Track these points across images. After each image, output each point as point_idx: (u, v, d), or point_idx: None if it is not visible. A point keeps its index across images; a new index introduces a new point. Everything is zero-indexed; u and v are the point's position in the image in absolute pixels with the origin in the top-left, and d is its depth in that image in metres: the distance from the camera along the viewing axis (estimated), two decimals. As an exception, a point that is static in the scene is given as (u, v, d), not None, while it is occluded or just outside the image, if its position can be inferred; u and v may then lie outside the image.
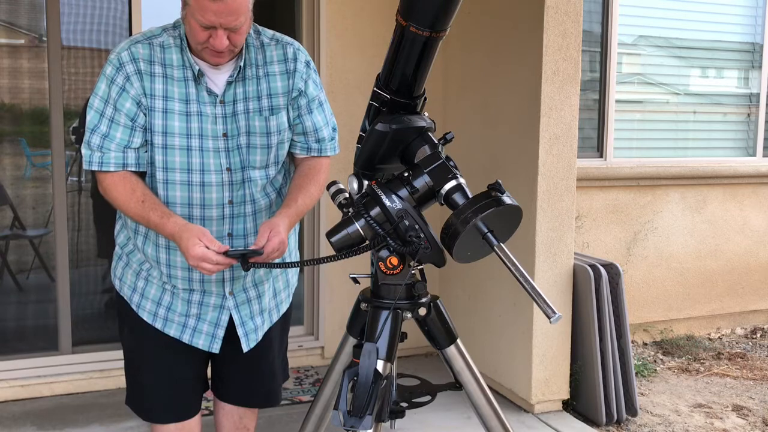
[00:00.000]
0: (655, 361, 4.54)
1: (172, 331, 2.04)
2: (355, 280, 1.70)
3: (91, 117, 1.90)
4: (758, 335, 5.15)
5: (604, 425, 3.48)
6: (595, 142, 4.79)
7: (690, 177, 4.92)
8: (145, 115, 1.89)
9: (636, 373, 3.90)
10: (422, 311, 1.67)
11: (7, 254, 4.12)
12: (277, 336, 2.22)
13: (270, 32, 2.03)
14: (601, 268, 3.51)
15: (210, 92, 1.91)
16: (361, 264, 1.81)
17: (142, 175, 1.95)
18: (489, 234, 1.45)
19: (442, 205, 1.56)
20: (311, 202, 2.06)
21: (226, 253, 1.80)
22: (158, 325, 2.04)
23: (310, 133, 2.06)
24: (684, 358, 4.58)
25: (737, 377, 4.28)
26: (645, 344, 4.84)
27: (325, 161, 2.12)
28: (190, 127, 1.90)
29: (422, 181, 1.56)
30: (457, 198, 1.51)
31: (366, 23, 3.96)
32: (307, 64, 2.04)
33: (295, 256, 2.23)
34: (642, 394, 3.93)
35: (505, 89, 3.64)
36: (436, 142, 1.62)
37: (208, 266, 1.79)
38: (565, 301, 3.50)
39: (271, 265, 1.87)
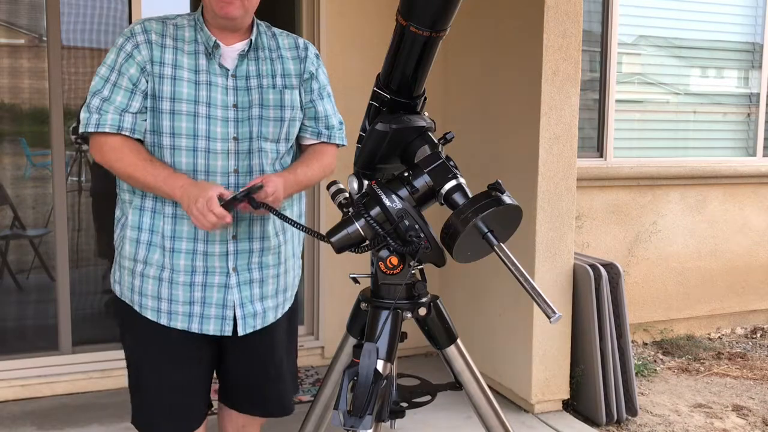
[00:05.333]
0: (655, 361, 4.54)
1: (179, 324, 2.00)
2: (355, 280, 1.70)
3: (95, 82, 1.94)
4: (758, 335, 5.15)
5: (604, 425, 3.48)
6: (595, 142, 4.79)
7: (690, 177, 4.92)
8: (147, 82, 1.92)
9: (636, 373, 3.90)
10: (422, 311, 1.67)
11: (7, 254, 4.12)
12: (283, 340, 2.18)
13: (279, 29, 2.14)
14: (601, 268, 3.51)
15: (222, 66, 1.96)
16: (361, 264, 1.81)
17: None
18: (489, 234, 1.45)
19: (442, 205, 1.56)
20: (312, 176, 2.09)
21: (229, 202, 1.81)
22: (163, 321, 2.00)
23: (321, 118, 2.12)
24: (684, 358, 4.58)
25: (737, 377, 4.28)
26: (645, 344, 4.84)
27: (332, 148, 2.17)
28: (198, 94, 1.93)
29: (422, 181, 1.56)
30: (457, 198, 1.51)
31: (366, 23, 3.96)
32: (317, 55, 2.14)
33: (298, 242, 2.21)
34: (642, 394, 3.93)
35: (505, 89, 3.64)
36: (436, 142, 1.62)
37: (213, 215, 1.78)
38: (565, 301, 3.50)
39: (280, 215, 1.85)
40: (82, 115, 1.93)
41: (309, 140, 2.14)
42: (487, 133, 3.76)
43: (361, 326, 1.68)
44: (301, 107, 2.08)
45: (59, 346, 3.68)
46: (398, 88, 1.61)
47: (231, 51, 1.98)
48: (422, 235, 1.55)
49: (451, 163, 1.56)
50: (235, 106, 1.96)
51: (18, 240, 4.16)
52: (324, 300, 4.08)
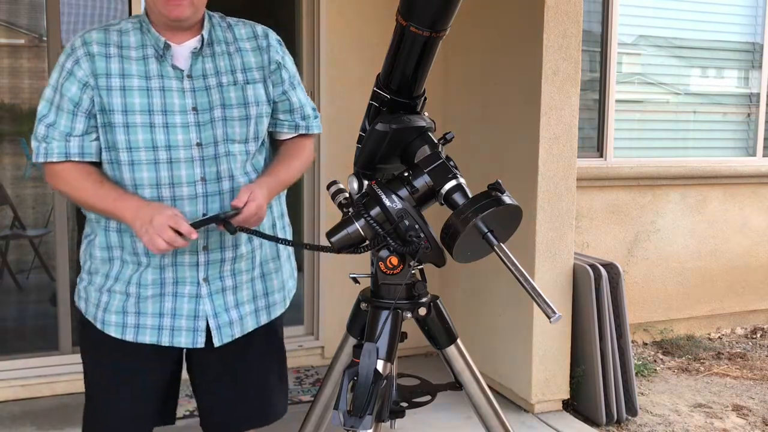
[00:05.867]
0: (655, 360, 4.54)
1: (147, 338, 1.89)
2: (355, 280, 1.70)
3: (41, 107, 1.85)
4: (758, 335, 5.15)
5: (604, 425, 3.48)
6: (595, 142, 4.79)
7: (690, 177, 4.92)
8: (93, 98, 1.81)
9: (636, 373, 3.90)
10: (422, 311, 1.66)
11: (7, 254, 4.12)
12: (268, 347, 2.07)
13: (235, 18, 2.00)
14: (601, 268, 3.51)
15: (175, 68, 1.83)
16: (361, 264, 1.81)
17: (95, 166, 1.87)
18: (489, 234, 1.45)
19: (442, 205, 1.56)
20: (293, 175, 2.00)
21: (200, 222, 1.74)
22: (129, 336, 1.88)
23: (296, 109, 2.00)
24: (684, 358, 4.58)
25: (737, 377, 4.28)
26: (645, 344, 4.84)
27: (310, 141, 2.06)
28: (151, 102, 1.81)
29: (422, 181, 1.56)
30: (457, 198, 1.51)
31: (366, 23, 3.96)
32: (279, 42, 1.99)
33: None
34: (642, 393, 3.93)
35: (505, 89, 3.64)
36: (436, 142, 1.62)
37: (168, 236, 1.68)
38: (565, 301, 3.50)
39: (260, 234, 1.80)
40: (33, 144, 1.85)
41: (286, 134, 2.02)
42: (487, 133, 3.76)
43: (361, 326, 1.68)
44: (268, 101, 1.94)
45: (59, 346, 3.68)
46: (398, 88, 1.61)
47: (183, 50, 1.85)
48: (422, 235, 1.55)
49: (451, 163, 1.56)
50: (195, 109, 1.83)
51: (18, 240, 4.17)
52: (324, 300, 4.08)
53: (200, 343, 1.91)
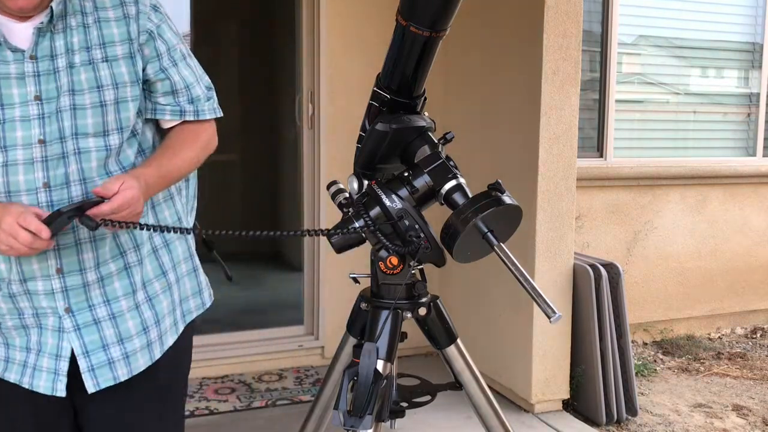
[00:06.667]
0: (655, 360, 4.54)
1: (13, 375, 1.58)
2: (355, 280, 1.70)
3: None
4: (758, 335, 5.15)
5: (604, 425, 3.48)
6: (595, 142, 4.79)
7: (690, 177, 4.93)
8: None
9: (636, 373, 3.90)
10: (422, 311, 1.66)
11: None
12: (167, 387, 1.72)
13: None
14: (601, 268, 3.51)
15: (14, 49, 1.48)
16: (361, 264, 1.81)
17: None
18: (489, 234, 1.45)
19: (442, 204, 1.56)
20: (181, 167, 1.64)
21: (53, 215, 1.41)
22: None
23: (180, 90, 1.64)
24: (684, 358, 4.58)
25: (737, 377, 4.28)
26: (645, 344, 4.84)
27: (206, 127, 1.70)
28: None
29: (422, 181, 1.56)
30: (457, 198, 1.51)
31: (366, 23, 3.96)
32: (155, 8, 1.63)
33: (183, 246, 1.74)
34: (642, 393, 3.93)
35: (505, 89, 3.64)
36: (436, 142, 1.62)
37: (26, 232, 1.38)
38: (565, 301, 3.50)
39: (139, 225, 1.46)
40: None
41: (170, 122, 1.66)
42: (487, 132, 3.76)
43: (361, 326, 1.68)
44: (135, 81, 1.57)
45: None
46: (398, 88, 1.61)
47: (25, 27, 1.50)
48: (422, 235, 1.55)
49: (451, 163, 1.56)
50: (39, 97, 1.48)
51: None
52: (324, 300, 4.08)
53: (59, 390, 1.56)
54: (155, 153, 1.64)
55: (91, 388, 1.57)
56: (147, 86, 1.63)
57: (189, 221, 1.80)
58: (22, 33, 1.50)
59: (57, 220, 1.41)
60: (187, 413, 3.26)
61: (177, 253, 1.72)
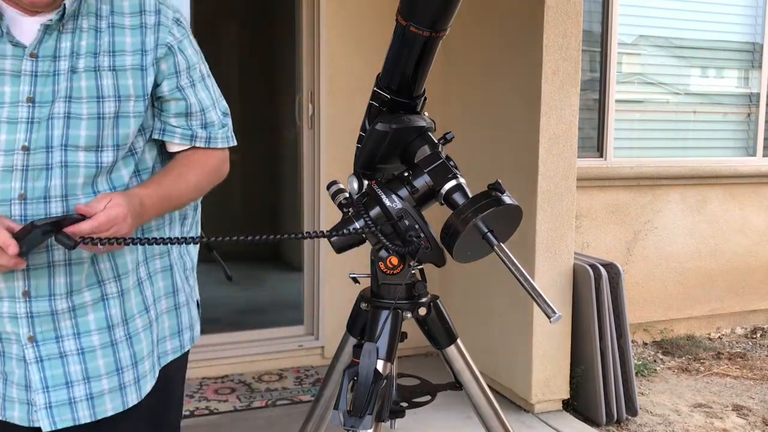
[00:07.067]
0: (655, 360, 4.54)
1: None
2: (355, 280, 1.70)
3: None
4: (758, 335, 5.15)
5: (604, 425, 3.48)
6: (595, 142, 4.79)
7: (690, 177, 4.93)
8: None
9: (636, 373, 3.90)
10: (422, 311, 1.66)
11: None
12: None
13: None
14: (601, 268, 3.51)
15: (16, 43, 1.38)
16: (361, 264, 1.81)
17: None
18: (489, 234, 1.45)
19: (442, 204, 1.56)
20: (186, 191, 1.52)
21: (25, 229, 1.27)
22: None
23: (195, 113, 1.52)
24: (684, 357, 4.59)
25: (737, 377, 4.28)
26: (645, 344, 4.84)
27: (218, 153, 1.58)
28: None
29: (422, 181, 1.56)
30: (457, 198, 1.51)
31: (366, 23, 3.96)
32: (177, 21, 1.52)
33: (181, 271, 1.62)
34: (642, 393, 3.93)
35: (505, 89, 3.64)
36: (436, 142, 1.62)
37: None
38: (565, 301, 3.50)
39: (124, 240, 1.30)
40: None
41: (178, 146, 1.54)
42: (487, 133, 3.76)
43: (361, 326, 1.68)
44: (142, 96, 1.45)
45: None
46: (398, 88, 1.61)
47: (33, 22, 1.40)
48: (422, 235, 1.55)
49: (451, 163, 1.56)
50: (31, 100, 1.37)
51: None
52: (324, 300, 4.08)
53: (38, 422, 1.43)
54: (156, 174, 1.51)
55: (46, 426, 1.43)
56: (159, 104, 1.51)
57: (188, 250, 1.67)
58: (28, 28, 1.39)
59: (29, 236, 1.26)
60: (187, 413, 3.27)
61: (158, 286, 1.57)
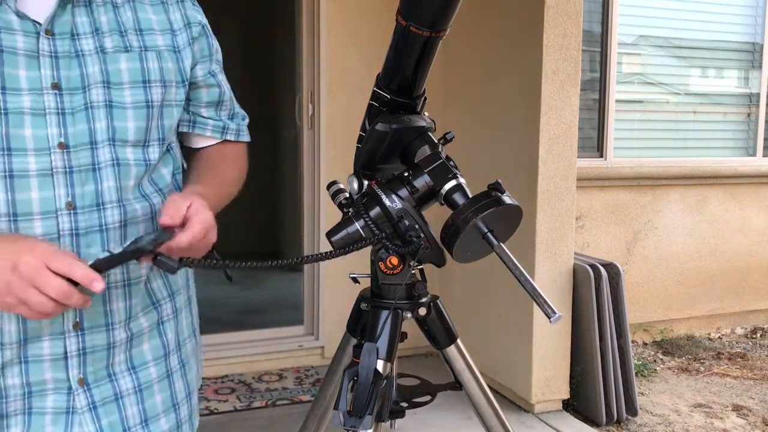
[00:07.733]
0: (655, 360, 4.54)
1: None
2: (355, 280, 1.70)
3: None
4: (758, 335, 5.15)
5: (604, 425, 3.49)
6: (595, 142, 4.79)
7: (690, 177, 4.93)
8: None
9: (636, 373, 3.90)
10: (422, 311, 1.67)
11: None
12: None
13: None
14: (601, 268, 3.51)
15: (24, 17, 1.10)
16: (361, 264, 1.81)
17: None
18: (489, 234, 1.45)
19: (442, 205, 1.56)
20: (227, 190, 1.35)
21: (109, 260, 1.02)
22: None
23: (225, 102, 1.35)
24: (684, 358, 4.59)
25: (737, 377, 4.28)
26: (645, 344, 4.84)
27: (245, 149, 1.43)
28: None
29: (422, 181, 1.56)
30: (457, 198, 1.51)
31: (366, 23, 3.96)
32: (194, 2, 1.34)
33: (188, 288, 1.37)
34: (642, 393, 3.93)
35: (505, 89, 3.64)
36: (436, 142, 1.62)
37: (55, 289, 0.95)
38: (565, 301, 3.50)
39: (225, 264, 1.08)
40: None
41: (209, 140, 1.34)
42: (487, 133, 3.76)
43: (361, 326, 1.68)
44: (182, 81, 1.24)
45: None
46: (398, 88, 1.61)
47: None
48: (422, 235, 1.55)
49: (451, 163, 1.56)
50: (57, 86, 1.10)
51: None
52: (324, 300, 4.08)
53: None
54: (197, 171, 1.29)
55: None
56: (189, 92, 1.30)
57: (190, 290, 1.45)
58: (41, 1, 1.12)
59: (112, 265, 1.01)
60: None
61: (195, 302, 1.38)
